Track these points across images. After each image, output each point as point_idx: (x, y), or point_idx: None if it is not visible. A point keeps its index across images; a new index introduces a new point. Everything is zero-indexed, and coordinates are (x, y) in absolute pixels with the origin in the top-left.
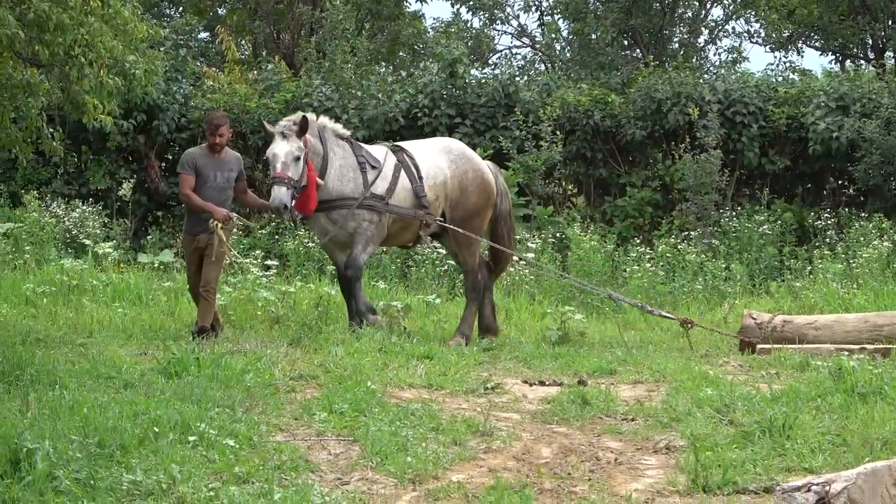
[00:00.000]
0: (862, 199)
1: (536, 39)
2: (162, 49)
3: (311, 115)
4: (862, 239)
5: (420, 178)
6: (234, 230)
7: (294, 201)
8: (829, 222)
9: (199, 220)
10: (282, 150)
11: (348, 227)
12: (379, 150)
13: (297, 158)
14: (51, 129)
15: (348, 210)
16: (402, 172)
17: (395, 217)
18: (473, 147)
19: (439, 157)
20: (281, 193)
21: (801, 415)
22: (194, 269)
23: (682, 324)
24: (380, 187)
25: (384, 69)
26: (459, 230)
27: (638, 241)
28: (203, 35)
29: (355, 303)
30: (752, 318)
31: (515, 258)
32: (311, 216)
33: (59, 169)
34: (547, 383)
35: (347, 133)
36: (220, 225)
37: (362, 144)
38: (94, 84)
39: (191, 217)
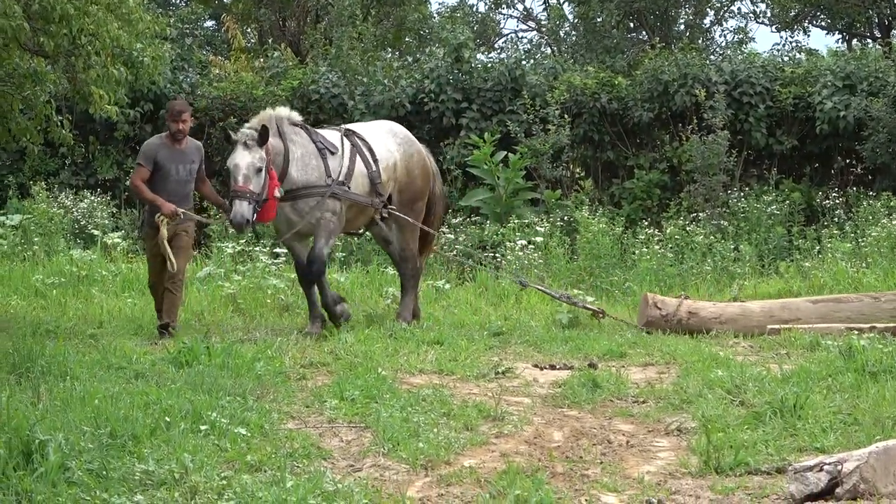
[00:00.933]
0: (870, 177)
1: (542, 23)
2: (168, 38)
3: (268, 114)
4: (870, 218)
5: (376, 162)
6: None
7: (255, 215)
8: (837, 201)
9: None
10: (243, 161)
11: (313, 218)
12: (334, 135)
13: (259, 170)
14: (59, 118)
15: (315, 199)
16: (358, 157)
17: (352, 203)
18: (481, 132)
19: (388, 141)
20: (243, 209)
21: (812, 395)
22: (158, 264)
23: (595, 315)
24: (340, 173)
25: (390, 55)
26: (409, 219)
27: (646, 223)
28: (209, 24)
29: (323, 297)
30: (658, 307)
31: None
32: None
33: (66, 160)
34: (557, 367)
35: (300, 119)
36: (165, 221)
37: (317, 130)
38: (100, 74)
39: (154, 209)
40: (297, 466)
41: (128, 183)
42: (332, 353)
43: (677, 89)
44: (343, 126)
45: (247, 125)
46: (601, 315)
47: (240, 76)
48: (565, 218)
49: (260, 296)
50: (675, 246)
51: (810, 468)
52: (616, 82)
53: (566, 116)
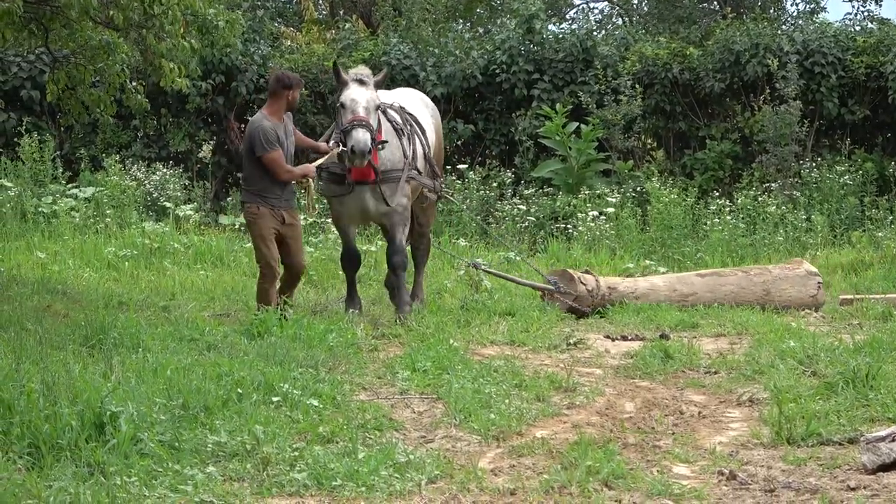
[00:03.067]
0: None
1: None
2: (240, 10)
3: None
4: None
5: (427, 140)
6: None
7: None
8: None
9: (283, 192)
10: (362, 95)
11: (394, 201)
12: (394, 113)
13: (378, 108)
14: (134, 84)
15: (396, 182)
16: (416, 137)
17: (416, 187)
18: (553, 103)
19: (426, 115)
20: (366, 137)
21: (885, 365)
22: (274, 244)
23: (543, 296)
24: (409, 153)
25: (461, 26)
26: (452, 198)
27: (718, 193)
28: None
29: (399, 293)
30: (583, 283)
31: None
32: (354, 191)
33: (139, 132)
34: (629, 338)
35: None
36: (311, 179)
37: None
38: (171, 46)
39: (271, 187)
40: (369, 438)
41: (199, 155)
42: (403, 325)
43: (749, 59)
44: (395, 102)
45: (358, 67)
46: (554, 294)
47: (311, 48)
48: (637, 189)
49: (332, 267)
50: (746, 216)
51: (882, 438)
52: (688, 52)
53: (638, 87)
